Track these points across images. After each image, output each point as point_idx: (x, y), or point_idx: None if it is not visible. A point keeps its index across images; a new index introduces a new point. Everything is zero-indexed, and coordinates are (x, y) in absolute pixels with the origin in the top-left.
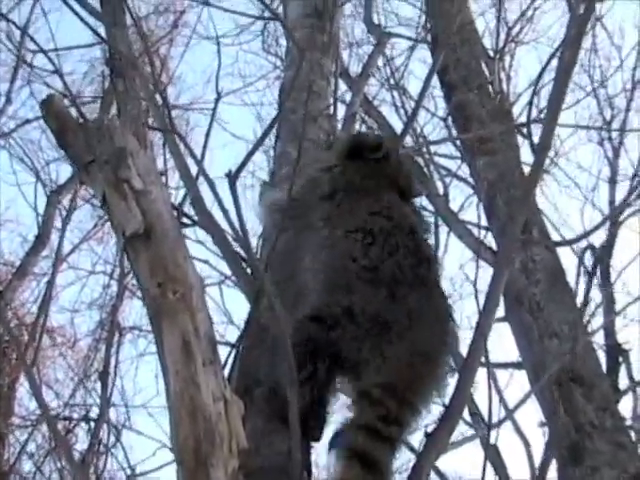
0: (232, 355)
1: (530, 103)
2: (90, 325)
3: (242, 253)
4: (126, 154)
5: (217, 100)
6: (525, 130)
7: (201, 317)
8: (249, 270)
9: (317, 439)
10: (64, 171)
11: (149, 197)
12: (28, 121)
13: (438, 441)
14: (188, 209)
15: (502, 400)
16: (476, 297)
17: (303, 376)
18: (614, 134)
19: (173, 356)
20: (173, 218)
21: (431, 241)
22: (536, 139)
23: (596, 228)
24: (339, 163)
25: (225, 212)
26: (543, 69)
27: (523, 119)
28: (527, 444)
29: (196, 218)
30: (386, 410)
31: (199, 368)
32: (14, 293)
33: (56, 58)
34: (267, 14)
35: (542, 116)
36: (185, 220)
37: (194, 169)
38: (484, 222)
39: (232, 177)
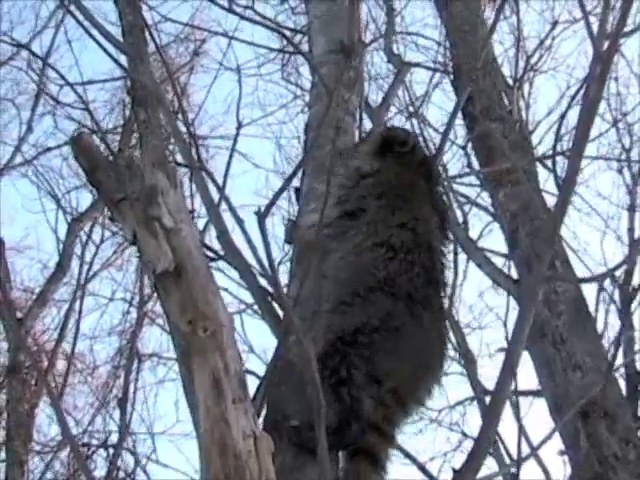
0: (260, 389)
1: (556, 139)
2: (109, 352)
3: (269, 289)
4: (157, 192)
5: (238, 130)
6: (550, 162)
7: (231, 355)
8: (276, 305)
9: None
10: (85, 199)
11: (179, 235)
12: (49, 149)
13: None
14: (211, 240)
15: (523, 431)
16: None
17: (333, 381)
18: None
19: (203, 394)
20: (203, 256)
21: (449, 256)
22: (559, 170)
23: (619, 265)
24: (371, 168)
25: (254, 249)
26: (566, 110)
27: (543, 147)
28: (547, 474)
29: (222, 252)
30: (389, 412)
31: (229, 406)
32: (34, 320)
33: (80, 89)
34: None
35: (565, 148)
36: (211, 254)
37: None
38: (503, 248)
39: (261, 215)
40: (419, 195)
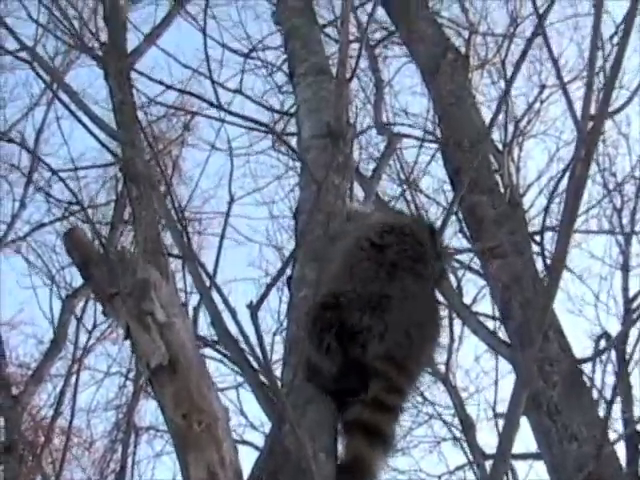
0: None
1: (545, 215)
2: (106, 426)
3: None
4: (149, 286)
5: (230, 204)
6: (538, 238)
7: (226, 447)
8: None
9: (358, 394)
10: (79, 275)
11: (173, 329)
12: (43, 225)
13: None
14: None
15: None
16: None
17: (323, 349)
18: (625, 221)
19: None
20: (196, 348)
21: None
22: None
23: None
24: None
25: (246, 339)
26: (554, 190)
27: (534, 210)
28: None
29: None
30: (387, 380)
31: None
32: (30, 396)
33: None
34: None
35: (555, 224)
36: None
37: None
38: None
39: (253, 308)
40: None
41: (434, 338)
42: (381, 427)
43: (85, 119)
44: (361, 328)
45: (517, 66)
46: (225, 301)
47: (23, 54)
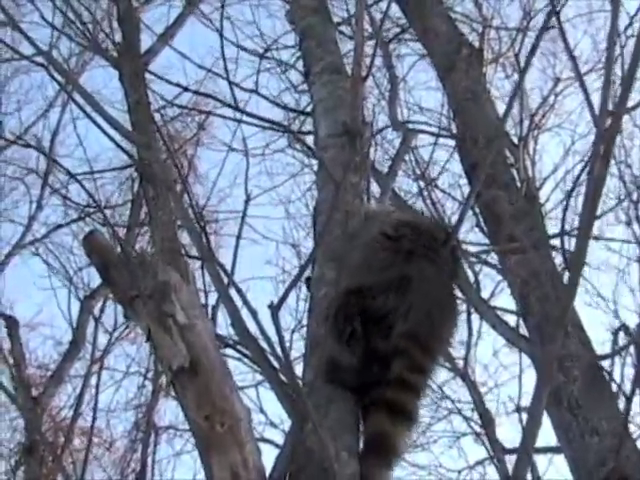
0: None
1: (563, 218)
2: (126, 426)
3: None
4: (170, 289)
5: (247, 203)
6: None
7: (249, 448)
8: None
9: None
10: (97, 275)
11: (194, 331)
12: (60, 226)
13: None
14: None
15: None
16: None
17: (345, 337)
18: None
19: None
20: (217, 350)
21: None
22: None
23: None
24: None
25: (267, 339)
26: (571, 190)
27: (550, 204)
28: None
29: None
30: (410, 360)
31: None
32: (50, 398)
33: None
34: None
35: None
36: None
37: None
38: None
39: (274, 308)
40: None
41: (453, 320)
42: (404, 405)
43: (100, 120)
44: (387, 311)
45: (529, 58)
46: (245, 301)
47: (38, 58)
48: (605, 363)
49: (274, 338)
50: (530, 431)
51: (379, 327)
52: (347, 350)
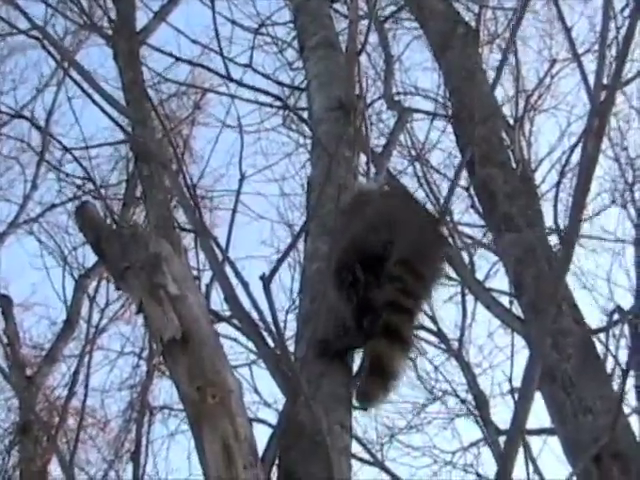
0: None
1: (557, 189)
2: (121, 406)
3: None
4: (161, 260)
5: (241, 182)
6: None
7: (240, 421)
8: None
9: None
10: (91, 255)
11: (185, 302)
12: (54, 205)
13: None
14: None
15: (538, 471)
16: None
17: (346, 284)
18: (637, 196)
19: (214, 460)
20: (210, 322)
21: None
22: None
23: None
24: None
25: (260, 312)
26: (559, 179)
27: (545, 186)
28: None
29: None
30: (403, 284)
31: (240, 472)
32: (44, 377)
33: (82, 142)
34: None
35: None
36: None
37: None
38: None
39: (266, 279)
40: None
41: (441, 251)
42: (399, 328)
43: (97, 97)
44: (381, 248)
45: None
46: (237, 274)
47: (34, 33)
48: (600, 343)
49: (267, 312)
50: (522, 407)
51: (376, 275)
52: (345, 299)
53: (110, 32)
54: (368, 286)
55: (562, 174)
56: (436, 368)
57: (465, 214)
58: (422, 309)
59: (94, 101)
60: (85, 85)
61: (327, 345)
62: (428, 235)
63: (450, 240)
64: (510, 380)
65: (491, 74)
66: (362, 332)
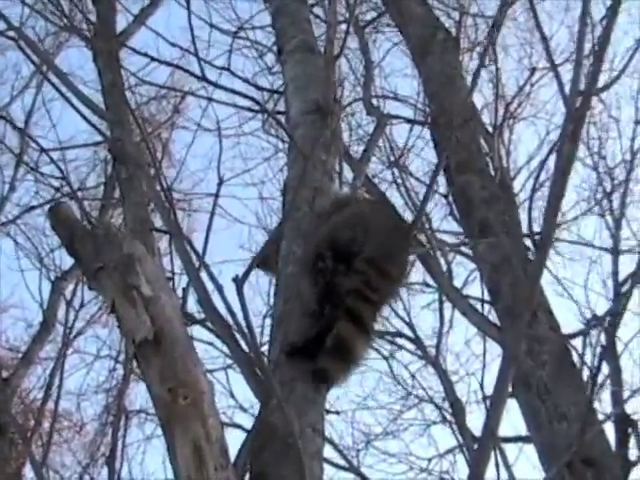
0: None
1: (532, 193)
2: (97, 409)
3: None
4: (134, 261)
5: (219, 185)
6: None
7: (212, 422)
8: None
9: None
10: (69, 257)
11: (158, 303)
12: (32, 207)
13: None
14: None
15: (512, 478)
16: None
17: (315, 269)
18: (615, 205)
19: (185, 461)
20: (182, 323)
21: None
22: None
23: (602, 318)
24: None
25: (233, 315)
26: (534, 185)
27: (524, 194)
28: None
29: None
30: (367, 277)
31: (211, 473)
32: (20, 379)
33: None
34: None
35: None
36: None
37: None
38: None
39: (239, 282)
40: None
41: (407, 253)
42: (362, 315)
43: (75, 100)
44: (351, 243)
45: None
46: (211, 277)
47: (11, 34)
48: (575, 351)
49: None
50: (495, 411)
51: (345, 267)
52: (312, 283)
53: (90, 34)
54: (335, 273)
55: (537, 180)
56: (413, 376)
57: (444, 221)
58: (384, 306)
59: (71, 104)
60: (63, 88)
61: (295, 345)
62: (398, 240)
63: (423, 245)
64: (482, 387)
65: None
66: (324, 317)
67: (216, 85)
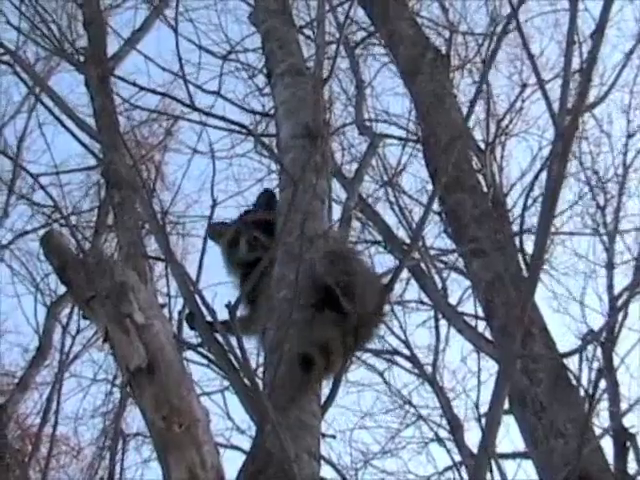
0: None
1: (522, 221)
2: (94, 433)
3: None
4: (127, 289)
5: (213, 207)
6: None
7: (207, 449)
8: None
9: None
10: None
11: (151, 331)
12: (26, 232)
13: None
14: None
15: None
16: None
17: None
18: (609, 219)
19: None
20: (176, 351)
21: None
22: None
23: (598, 333)
24: None
25: (227, 339)
26: (526, 197)
27: (517, 210)
28: None
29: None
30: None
31: None
32: (16, 405)
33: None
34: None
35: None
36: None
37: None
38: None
39: (232, 307)
40: None
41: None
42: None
43: (68, 123)
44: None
45: (490, 61)
46: (204, 301)
47: (5, 58)
48: (572, 366)
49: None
50: (490, 428)
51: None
52: None
53: (81, 59)
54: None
55: (527, 197)
56: (410, 394)
57: (438, 238)
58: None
59: (65, 127)
60: (57, 111)
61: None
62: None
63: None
64: (477, 405)
65: (462, 98)
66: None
67: (205, 112)
